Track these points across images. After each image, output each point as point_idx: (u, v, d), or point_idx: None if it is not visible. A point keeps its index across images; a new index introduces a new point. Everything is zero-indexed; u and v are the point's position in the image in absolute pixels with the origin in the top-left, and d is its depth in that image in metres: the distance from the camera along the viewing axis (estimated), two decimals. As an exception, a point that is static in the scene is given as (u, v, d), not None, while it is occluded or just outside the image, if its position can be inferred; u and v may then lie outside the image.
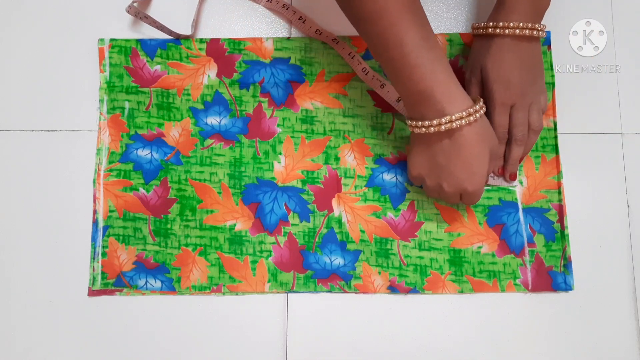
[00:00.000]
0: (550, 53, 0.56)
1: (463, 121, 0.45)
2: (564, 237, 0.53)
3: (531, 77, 0.50)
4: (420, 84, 0.45)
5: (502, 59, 0.50)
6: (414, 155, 0.50)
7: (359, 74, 0.55)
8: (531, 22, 0.48)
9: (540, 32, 0.49)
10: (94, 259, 0.53)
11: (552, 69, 0.56)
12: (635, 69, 0.57)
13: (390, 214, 0.54)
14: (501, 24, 0.49)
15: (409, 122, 0.48)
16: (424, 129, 0.46)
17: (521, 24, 0.48)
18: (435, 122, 0.45)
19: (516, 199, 0.54)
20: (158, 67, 0.56)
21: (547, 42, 0.57)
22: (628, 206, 0.54)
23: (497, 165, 0.54)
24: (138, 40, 0.57)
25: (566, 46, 0.57)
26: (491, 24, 0.50)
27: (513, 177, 0.53)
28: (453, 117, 0.45)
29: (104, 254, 0.53)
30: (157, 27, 0.56)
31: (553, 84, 0.56)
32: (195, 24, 0.57)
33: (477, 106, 0.46)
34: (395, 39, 0.44)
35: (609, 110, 0.56)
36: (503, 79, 0.50)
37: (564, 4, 0.58)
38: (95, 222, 0.54)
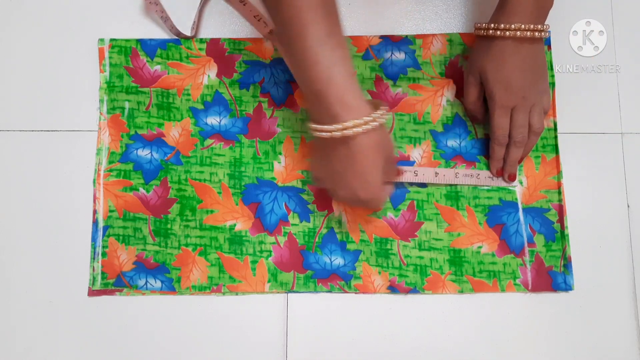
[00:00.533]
0: (550, 53, 0.56)
1: (358, 129, 0.42)
2: (564, 237, 0.53)
3: (533, 78, 0.50)
4: (316, 84, 0.42)
5: (503, 61, 0.49)
6: (313, 157, 0.49)
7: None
8: (533, 23, 0.48)
9: (543, 33, 0.48)
10: (94, 259, 0.53)
11: (552, 69, 0.56)
12: (635, 69, 0.57)
13: (390, 214, 0.54)
14: (502, 25, 0.48)
15: (308, 123, 0.46)
16: (317, 132, 0.44)
17: (522, 26, 0.48)
18: (328, 127, 0.43)
19: (516, 199, 0.54)
20: (158, 67, 0.56)
21: (547, 42, 0.57)
22: (628, 206, 0.54)
23: (495, 167, 0.54)
24: (138, 40, 0.57)
25: (566, 46, 0.57)
26: (492, 25, 0.49)
27: (512, 178, 0.53)
28: (347, 124, 0.42)
29: (104, 254, 0.53)
30: (162, 18, 0.56)
31: (553, 84, 0.56)
32: (196, 26, 0.57)
33: (375, 115, 0.43)
34: (298, 29, 0.41)
35: (609, 110, 0.56)
36: (503, 81, 0.50)
37: (564, 4, 0.58)
38: (95, 222, 0.54)
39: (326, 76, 0.42)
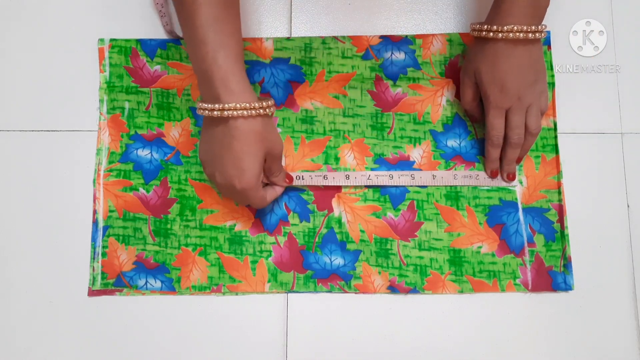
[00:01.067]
0: (550, 53, 0.56)
1: (237, 113, 0.44)
2: (564, 237, 0.53)
3: (529, 79, 0.50)
4: (202, 63, 0.44)
5: (497, 62, 0.49)
6: (201, 140, 0.49)
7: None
8: (528, 24, 0.47)
9: (538, 34, 0.48)
10: (93, 259, 0.53)
11: (552, 69, 0.56)
12: (635, 69, 0.57)
13: (390, 214, 0.54)
14: (495, 27, 0.48)
15: (197, 102, 0.48)
16: (200, 111, 0.46)
17: (516, 27, 0.47)
18: (209, 105, 0.45)
19: (516, 198, 0.54)
20: (158, 67, 0.56)
21: (547, 42, 0.57)
22: (628, 206, 0.54)
23: (490, 168, 0.53)
24: (138, 40, 0.57)
25: (566, 46, 0.57)
26: (486, 26, 0.49)
27: (511, 177, 0.53)
28: (226, 105, 0.44)
29: (103, 254, 0.53)
30: (160, 13, 0.56)
31: (553, 84, 0.56)
32: None
33: (259, 104, 0.45)
34: (191, 8, 0.44)
35: (609, 110, 0.56)
36: (498, 83, 0.49)
37: (564, 4, 0.58)
38: (95, 222, 0.54)
39: (211, 57, 0.44)
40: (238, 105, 0.44)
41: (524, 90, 0.49)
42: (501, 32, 0.48)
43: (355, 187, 0.54)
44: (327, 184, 0.54)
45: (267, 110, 0.46)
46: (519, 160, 0.53)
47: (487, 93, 0.50)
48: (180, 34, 0.56)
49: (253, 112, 0.45)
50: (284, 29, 0.58)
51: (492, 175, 0.54)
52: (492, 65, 0.49)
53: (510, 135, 0.51)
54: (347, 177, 0.54)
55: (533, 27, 0.47)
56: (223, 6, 0.45)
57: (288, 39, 0.57)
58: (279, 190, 0.52)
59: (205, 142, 0.48)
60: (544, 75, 0.51)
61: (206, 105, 0.45)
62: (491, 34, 0.48)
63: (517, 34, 0.47)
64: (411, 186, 0.54)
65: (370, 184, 0.54)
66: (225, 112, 0.44)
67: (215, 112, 0.45)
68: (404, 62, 0.56)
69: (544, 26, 0.48)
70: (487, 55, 0.50)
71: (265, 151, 0.47)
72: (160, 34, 0.57)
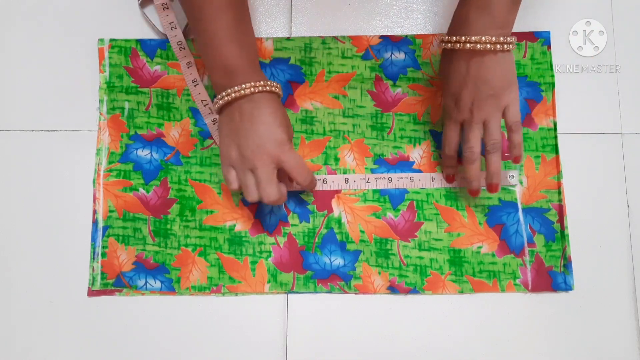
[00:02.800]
0: (550, 53, 0.56)
1: (263, 87, 0.47)
2: (564, 237, 0.53)
3: (486, 92, 0.47)
4: (229, 58, 0.47)
5: (452, 73, 0.49)
6: (221, 134, 0.49)
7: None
8: (487, 34, 0.45)
9: (498, 46, 0.46)
10: (93, 259, 0.53)
11: (552, 69, 0.56)
12: (635, 69, 0.56)
13: (390, 214, 0.54)
14: (451, 37, 0.47)
15: (215, 101, 0.49)
16: (226, 97, 0.47)
17: (484, 38, 0.45)
18: (238, 87, 0.47)
19: (516, 199, 0.54)
20: (158, 67, 0.56)
21: (547, 42, 0.56)
22: (628, 206, 0.54)
23: (455, 182, 0.54)
24: (138, 41, 0.57)
25: (566, 46, 0.57)
26: (445, 37, 0.48)
27: (494, 189, 0.51)
28: (258, 83, 0.47)
29: (103, 254, 0.53)
30: (162, 5, 0.57)
31: (553, 84, 0.56)
32: (188, 26, 0.57)
33: (272, 82, 0.48)
34: (211, 10, 0.46)
35: (609, 110, 0.56)
36: (453, 95, 0.49)
37: (564, 4, 0.58)
38: (95, 222, 0.54)
39: (238, 53, 0.47)
40: (261, 82, 0.47)
41: (480, 103, 0.48)
42: (455, 42, 0.46)
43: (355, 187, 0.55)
44: (326, 189, 0.54)
45: (278, 89, 0.49)
46: (516, 160, 0.50)
47: (444, 104, 0.51)
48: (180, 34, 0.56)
49: (273, 87, 0.48)
50: (283, 29, 0.58)
51: (472, 195, 0.53)
52: (448, 76, 0.49)
53: (464, 149, 0.50)
54: (347, 180, 0.54)
55: (492, 38, 0.46)
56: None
57: (288, 39, 0.57)
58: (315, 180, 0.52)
59: (228, 127, 0.49)
60: (507, 87, 0.48)
61: (232, 89, 0.47)
62: (450, 45, 0.47)
63: (485, 45, 0.46)
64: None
65: (370, 188, 0.54)
66: (258, 88, 0.47)
67: (249, 89, 0.47)
68: (404, 62, 0.56)
69: (505, 39, 0.46)
70: (445, 65, 0.50)
71: (287, 124, 0.49)
72: (160, 33, 0.57)
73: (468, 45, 0.46)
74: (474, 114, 0.48)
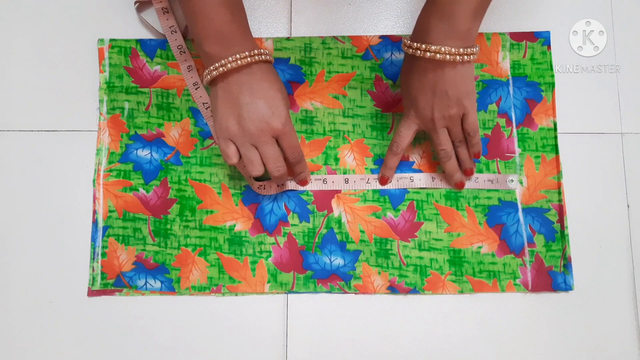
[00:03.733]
0: (550, 53, 0.56)
1: (262, 57, 0.47)
2: (564, 237, 0.53)
3: (445, 103, 0.48)
4: (219, 23, 0.46)
5: (412, 79, 0.49)
6: (216, 108, 0.48)
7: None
8: (447, 44, 0.45)
9: (458, 57, 0.45)
10: (93, 259, 0.53)
11: (552, 69, 0.56)
12: (635, 69, 0.56)
13: (390, 214, 0.54)
14: (412, 43, 0.47)
15: (205, 75, 0.48)
16: (221, 67, 0.46)
17: (444, 49, 0.45)
18: (237, 56, 0.46)
19: (515, 199, 0.54)
20: (158, 67, 0.56)
21: (547, 42, 0.56)
22: (628, 206, 0.54)
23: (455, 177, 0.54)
24: (138, 41, 0.57)
25: (566, 46, 0.57)
26: (407, 42, 0.48)
27: (469, 173, 0.53)
28: (255, 52, 0.47)
29: (103, 254, 0.53)
30: (162, 10, 0.57)
31: (553, 84, 0.56)
32: (187, 27, 0.57)
33: (265, 50, 0.48)
34: None
35: (609, 110, 0.56)
36: (412, 99, 0.49)
37: (564, 4, 0.58)
38: (95, 222, 0.54)
39: (229, 17, 0.46)
40: (257, 50, 0.47)
41: (438, 114, 0.48)
42: (429, 51, 0.46)
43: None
44: (326, 189, 0.54)
45: (270, 57, 0.49)
46: (476, 156, 0.52)
47: (404, 107, 0.51)
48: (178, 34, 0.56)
49: (268, 57, 0.48)
50: (283, 29, 0.58)
51: (458, 187, 0.54)
52: (407, 81, 0.49)
53: (437, 152, 0.51)
54: (346, 180, 0.54)
55: (461, 50, 0.45)
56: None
57: (288, 39, 0.57)
58: (308, 171, 0.53)
59: (225, 99, 0.48)
60: (468, 99, 0.48)
61: (231, 58, 0.46)
62: (410, 50, 0.47)
63: (445, 55, 0.45)
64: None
65: (370, 188, 0.54)
66: (257, 57, 0.46)
67: (246, 60, 0.46)
68: (404, 62, 0.56)
69: (474, 49, 0.46)
70: (405, 70, 0.50)
71: (285, 95, 0.49)
72: (160, 33, 0.57)
73: (428, 54, 0.46)
74: (435, 123, 0.49)
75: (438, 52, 0.45)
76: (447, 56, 0.45)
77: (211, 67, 0.47)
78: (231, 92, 0.47)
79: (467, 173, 0.53)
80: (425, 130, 0.51)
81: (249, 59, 0.46)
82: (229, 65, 0.46)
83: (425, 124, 0.50)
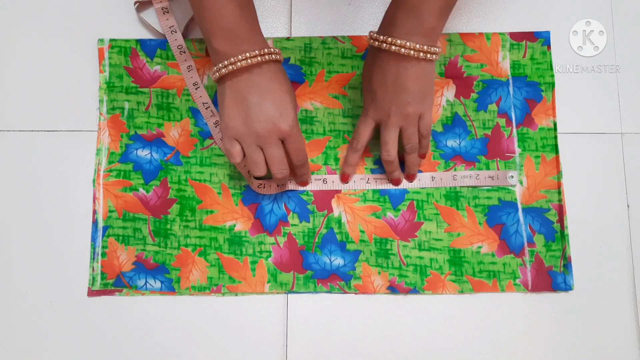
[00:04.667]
0: (550, 53, 0.56)
1: (271, 56, 0.46)
2: (563, 237, 0.53)
3: (404, 99, 0.48)
4: (227, 19, 0.45)
5: (375, 72, 0.49)
6: (224, 107, 0.47)
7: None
8: (413, 40, 0.45)
9: (421, 54, 0.45)
10: (93, 259, 0.53)
11: (552, 69, 0.56)
12: (635, 69, 0.56)
13: (390, 214, 0.54)
14: (379, 36, 0.47)
15: (213, 72, 0.47)
16: (230, 66, 0.45)
17: (409, 44, 0.45)
18: (246, 55, 0.45)
19: (515, 199, 0.54)
20: (158, 67, 0.56)
21: (547, 42, 0.56)
22: (628, 206, 0.54)
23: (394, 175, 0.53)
24: (138, 41, 0.57)
25: (566, 46, 0.57)
26: (374, 34, 0.48)
27: (411, 179, 0.54)
28: (265, 50, 0.46)
29: (103, 254, 0.53)
30: (162, 9, 0.56)
31: (553, 84, 0.56)
32: (188, 27, 0.57)
33: (275, 49, 0.47)
34: None
35: (609, 110, 0.56)
36: (372, 92, 0.49)
37: (564, 4, 0.58)
38: (95, 222, 0.54)
39: (238, 13, 0.45)
40: (268, 49, 0.46)
41: (396, 110, 0.48)
42: (394, 45, 0.46)
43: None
44: (326, 189, 0.54)
45: (279, 56, 0.47)
46: (422, 157, 0.53)
47: (364, 100, 0.51)
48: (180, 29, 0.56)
49: (278, 56, 0.47)
50: (283, 29, 0.58)
51: (395, 183, 0.54)
52: (369, 73, 0.49)
53: (381, 151, 0.51)
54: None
55: (425, 47, 0.45)
56: None
57: (288, 39, 0.57)
58: (309, 173, 0.52)
59: (232, 97, 0.47)
60: (426, 99, 0.49)
61: (240, 57, 0.45)
62: (375, 42, 0.47)
63: (409, 50, 0.45)
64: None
65: (370, 188, 0.54)
66: (267, 57, 0.46)
67: (256, 59, 0.45)
68: (404, 62, 0.56)
69: (438, 48, 0.46)
70: (368, 63, 0.50)
71: (293, 94, 0.48)
72: (160, 34, 0.57)
73: (393, 47, 0.46)
74: (391, 118, 0.49)
75: (403, 47, 0.45)
76: (412, 51, 0.45)
77: (220, 65, 0.46)
78: (239, 91, 0.46)
79: (409, 178, 0.54)
80: (379, 124, 0.50)
81: (259, 58, 0.45)
82: (238, 63, 0.45)
83: (381, 117, 0.50)
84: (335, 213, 0.54)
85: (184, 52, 0.56)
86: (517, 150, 0.55)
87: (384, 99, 0.48)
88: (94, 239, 0.54)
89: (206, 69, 0.56)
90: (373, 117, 0.50)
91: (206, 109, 0.55)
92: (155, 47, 0.57)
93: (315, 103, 0.56)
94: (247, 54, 0.45)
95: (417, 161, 0.53)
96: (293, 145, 0.48)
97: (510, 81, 0.56)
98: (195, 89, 0.55)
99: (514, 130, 0.55)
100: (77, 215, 0.54)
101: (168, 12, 0.56)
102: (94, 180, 0.55)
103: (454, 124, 0.55)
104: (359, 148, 0.52)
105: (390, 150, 0.50)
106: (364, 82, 0.51)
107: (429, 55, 0.46)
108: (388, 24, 0.47)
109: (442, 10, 0.45)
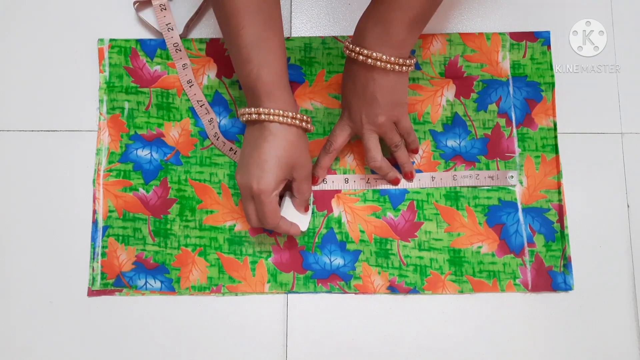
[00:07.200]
0: (550, 53, 0.56)
1: (272, 117, 0.46)
2: (563, 237, 0.53)
3: (375, 110, 0.48)
4: (247, 79, 0.47)
5: (348, 80, 0.49)
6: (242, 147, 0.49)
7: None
8: (382, 51, 0.45)
9: (389, 66, 0.45)
10: (93, 259, 0.53)
11: (552, 69, 0.56)
12: (635, 69, 0.56)
13: (390, 214, 0.54)
14: (350, 46, 0.47)
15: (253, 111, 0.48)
16: (241, 116, 0.48)
17: (385, 57, 0.45)
18: (248, 110, 0.47)
19: (515, 199, 0.54)
20: (158, 67, 0.56)
21: (547, 42, 0.56)
22: (628, 206, 0.54)
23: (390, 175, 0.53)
24: (138, 41, 0.57)
25: (566, 46, 0.57)
26: (348, 45, 0.47)
27: (409, 177, 0.54)
28: (262, 110, 0.46)
29: (103, 254, 0.53)
30: (160, 6, 0.56)
31: (553, 84, 0.56)
32: (188, 27, 0.57)
33: (294, 114, 0.46)
34: (234, 29, 0.45)
35: (609, 110, 0.56)
36: (346, 100, 0.50)
37: (564, 4, 0.58)
38: (95, 222, 0.54)
39: (255, 74, 0.46)
40: (273, 110, 0.46)
41: (368, 119, 0.49)
42: (362, 55, 0.46)
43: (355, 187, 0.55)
44: (326, 189, 0.54)
45: (302, 123, 0.47)
46: (414, 152, 0.54)
47: (342, 108, 0.51)
48: (180, 29, 0.56)
49: (288, 119, 0.46)
50: (283, 29, 0.57)
51: (394, 183, 0.54)
52: (344, 83, 0.50)
53: (366, 159, 0.51)
54: (346, 180, 0.54)
55: (393, 59, 0.45)
56: (266, 26, 0.46)
57: (288, 39, 0.57)
58: (294, 229, 0.50)
59: (243, 145, 0.49)
60: (398, 108, 0.49)
61: (247, 109, 0.47)
62: (353, 54, 0.47)
63: (376, 61, 0.45)
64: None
65: (370, 188, 0.54)
66: (262, 116, 0.46)
67: (253, 116, 0.46)
68: (404, 62, 0.56)
69: (411, 60, 0.46)
70: (345, 73, 0.50)
71: (291, 164, 0.47)
72: (160, 34, 0.57)
73: (361, 57, 0.46)
74: (364, 126, 0.49)
75: (369, 57, 0.45)
76: (378, 62, 0.45)
77: (247, 110, 0.47)
78: (250, 137, 0.48)
79: (408, 177, 0.53)
80: (356, 133, 0.51)
81: (295, 120, 0.46)
82: (262, 116, 0.46)
83: (356, 127, 0.50)
84: (335, 213, 0.54)
85: (180, 50, 0.56)
86: (517, 150, 0.55)
87: (356, 109, 0.49)
88: (94, 239, 0.54)
89: (206, 69, 0.56)
90: (349, 125, 0.51)
91: (200, 106, 0.55)
92: (155, 47, 0.57)
93: (315, 103, 0.56)
94: (281, 112, 0.46)
95: (407, 157, 0.53)
96: (265, 208, 0.47)
97: (510, 81, 0.56)
98: (190, 86, 0.55)
99: (514, 130, 0.55)
100: (77, 215, 0.54)
101: (166, 9, 0.56)
102: (94, 180, 0.55)
103: (454, 124, 0.55)
104: (331, 151, 0.52)
105: (375, 156, 0.50)
106: (342, 90, 0.51)
107: (397, 67, 0.46)
108: (359, 34, 0.47)
109: (413, 24, 0.45)
